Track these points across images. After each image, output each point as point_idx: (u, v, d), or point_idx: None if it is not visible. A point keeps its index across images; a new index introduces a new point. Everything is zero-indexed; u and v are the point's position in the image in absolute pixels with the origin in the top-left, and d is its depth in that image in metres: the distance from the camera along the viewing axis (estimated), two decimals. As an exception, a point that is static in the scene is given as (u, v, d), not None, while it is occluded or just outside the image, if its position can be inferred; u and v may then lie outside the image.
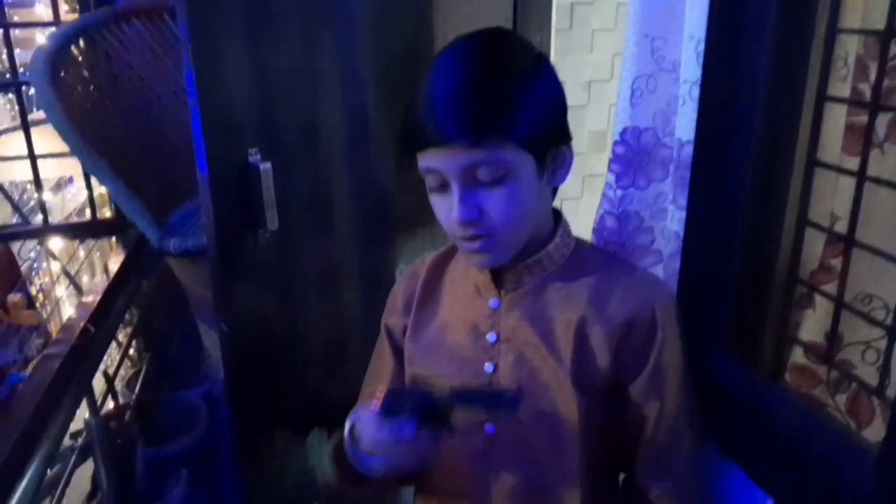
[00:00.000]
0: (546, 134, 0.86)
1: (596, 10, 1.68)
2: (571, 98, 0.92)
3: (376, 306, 1.14)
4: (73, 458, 1.25)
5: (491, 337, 0.94)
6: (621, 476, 1.00)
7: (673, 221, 1.23)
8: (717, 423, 1.01)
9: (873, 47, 0.95)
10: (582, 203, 1.78)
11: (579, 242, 0.97)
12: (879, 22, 0.92)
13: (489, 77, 0.82)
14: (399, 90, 1.05)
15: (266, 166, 1.17)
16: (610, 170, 1.27)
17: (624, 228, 1.29)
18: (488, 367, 0.94)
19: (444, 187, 0.85)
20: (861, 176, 0.94)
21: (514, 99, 0.81)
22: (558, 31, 1.66)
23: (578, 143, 0.91)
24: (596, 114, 1.74)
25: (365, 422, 0.86)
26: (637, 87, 1.21)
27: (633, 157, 1.25)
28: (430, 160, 0.84)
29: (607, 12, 1.69)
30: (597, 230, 1.31)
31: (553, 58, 1.62)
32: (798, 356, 1.24)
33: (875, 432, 1.17)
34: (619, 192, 1.27)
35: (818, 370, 1.22)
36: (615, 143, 1.25)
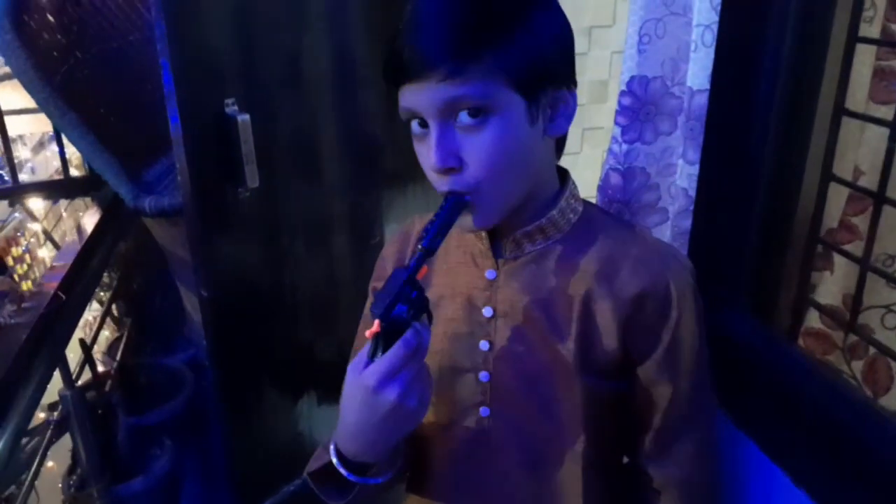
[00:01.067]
0: (540, 71, 0.75)
1: (597, -51, 1.59)
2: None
3: (366, 262, 1.06)
4: (49, 432, 1.18)
5: (487, 312, 0.85)
6: (625, 459, 0.93)
7: (681, 177, 1.16)
8: (731, 390, 0.95)
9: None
10: (581, 158, 1.70)
11: (588, 206, 0.87)
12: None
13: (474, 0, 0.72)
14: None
15: (244, 118, 1.09)
16: (616, 122, 1.20)
17: (629, 185, 1.22)
18: (484, 344, 0.85)
19: (425, 131, 0.75)
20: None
21: (501, 24, 0.71)
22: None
23: (578, 93, 0.81)
24: (597, 62, 1.65)
25: (353, 389, 0.73)
26: (645, 32, 1.14)
27: (639, 108, 1.18)
28: (407, 98, 0.74)
29: (609, -49, 1.60)
30: (602, 188, 1.25)
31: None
32: (812, 321, 1.19)
33: (893, 400, 1.12)
34: (624, 146, 1.20)
35: (833, 335, 1.16)
36: (622, 93, 1.18)
